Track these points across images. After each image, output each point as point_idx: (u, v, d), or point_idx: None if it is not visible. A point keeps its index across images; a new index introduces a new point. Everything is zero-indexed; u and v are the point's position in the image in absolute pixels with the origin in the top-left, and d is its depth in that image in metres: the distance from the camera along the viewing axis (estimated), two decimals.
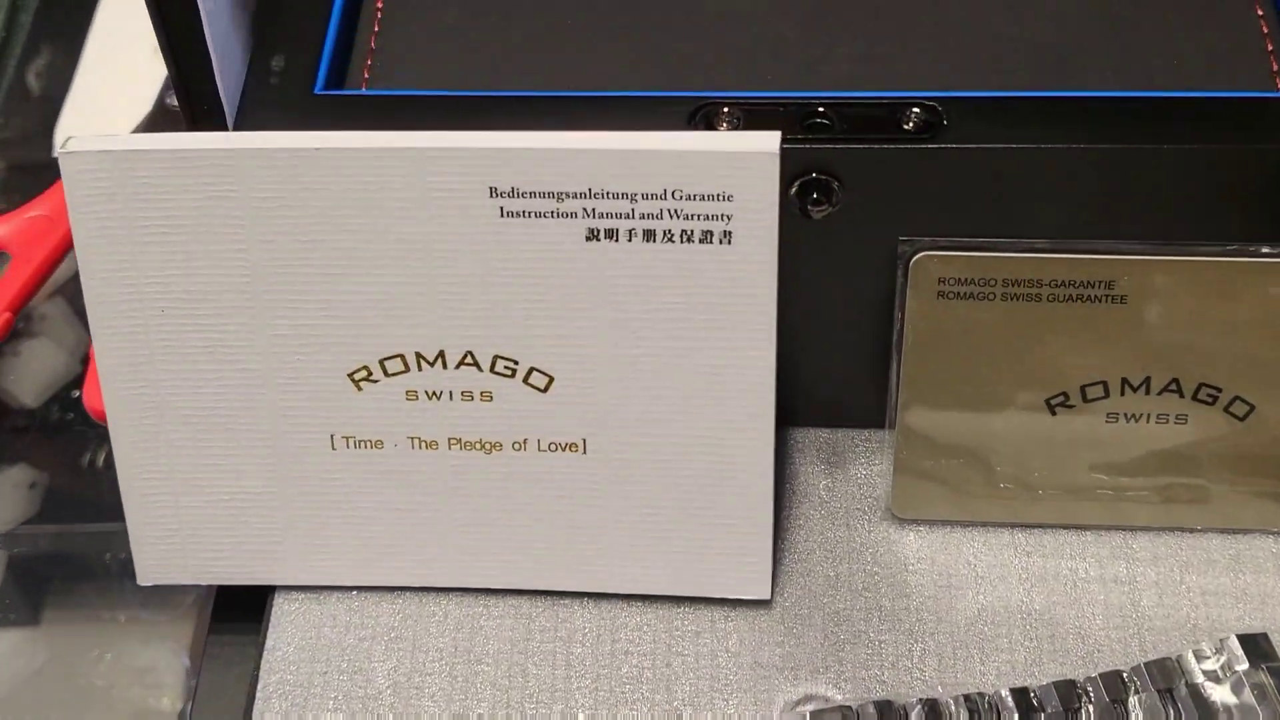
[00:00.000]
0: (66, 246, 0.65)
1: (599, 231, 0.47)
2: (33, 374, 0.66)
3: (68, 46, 0.77)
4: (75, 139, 0.47)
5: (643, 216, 0.46)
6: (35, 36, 0.78)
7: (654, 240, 0.47)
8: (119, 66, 0.75)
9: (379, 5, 0.55)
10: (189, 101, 0.50)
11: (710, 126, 0.49)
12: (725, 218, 0.46)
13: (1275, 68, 0.52)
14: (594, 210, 0.46)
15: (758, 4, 0.54)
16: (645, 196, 0.46)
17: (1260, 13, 0.54)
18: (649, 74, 0.52)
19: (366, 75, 0.53)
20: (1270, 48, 0.53)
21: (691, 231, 0.46)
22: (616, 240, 0.47)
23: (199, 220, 0.47)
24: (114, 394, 0.51)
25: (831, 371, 0.55)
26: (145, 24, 0.49)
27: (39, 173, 0.71)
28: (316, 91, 0.51)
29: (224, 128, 0.50)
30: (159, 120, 0.72)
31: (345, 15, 0.54)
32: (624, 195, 0.46)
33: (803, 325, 0.52)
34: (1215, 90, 0.51)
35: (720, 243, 0.46)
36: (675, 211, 0.46)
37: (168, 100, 0.72)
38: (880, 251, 0.50)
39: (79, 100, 0.75)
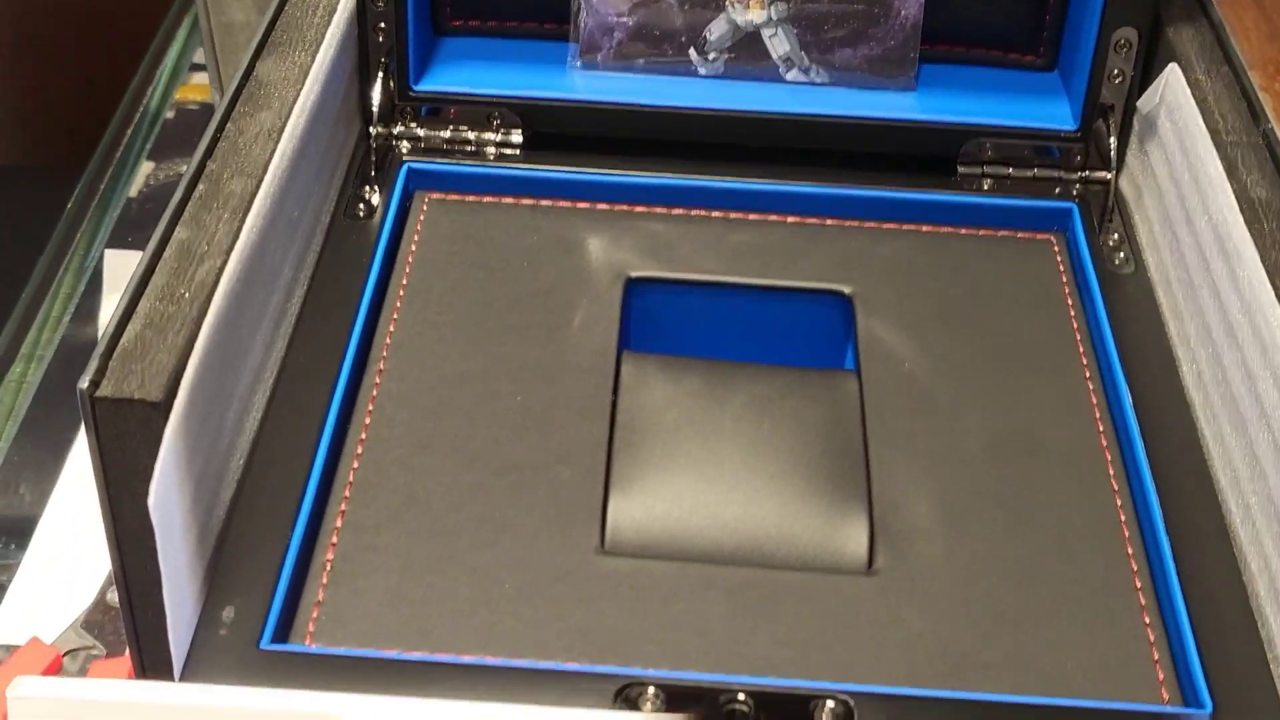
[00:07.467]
0: None
1: None
2: None
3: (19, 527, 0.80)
4: (25, 682, 0.49)
5: None
6: None
7: None
8: (67, 555, 0.78)
9: (329, 559, 0.58)
10: (139, 650, 0.53)
11: (634, 706, 0.52)
12: None
13: (1161, 678, 0.56)
14: None
15: (683, 580, 0.58)
16: None
17: (1148, 621, 0.58)
18: (578, 647, 0.55)
19: (311, 629, 0.55)
20: (1156, 658, 0.57)
21: None
22: None
23: None
24: None
25: None
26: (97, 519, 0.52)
27: None
28: (262, 646, 0.54)
29: (170, 677, 0.53)
30: (97, 614, 0.74)
31: (296, 569, 0.57)
32: None
33: None
34: (1105, 700, 0.54)
35: None
36: None
37: (108, 596, 0.75)
38: None
39: (21, 587, 0.77)
